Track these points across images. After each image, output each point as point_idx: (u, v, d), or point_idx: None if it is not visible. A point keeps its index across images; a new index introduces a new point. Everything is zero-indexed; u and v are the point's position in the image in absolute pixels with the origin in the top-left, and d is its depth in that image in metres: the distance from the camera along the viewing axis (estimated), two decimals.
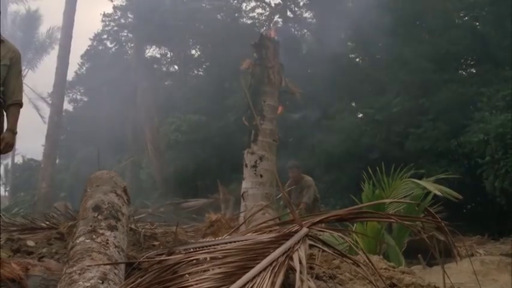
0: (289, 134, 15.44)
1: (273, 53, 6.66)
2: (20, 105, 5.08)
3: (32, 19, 30.19)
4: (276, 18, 22.27)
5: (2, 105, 4.94)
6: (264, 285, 2.13)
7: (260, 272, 2.21)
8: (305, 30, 21.79)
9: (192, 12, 20.25)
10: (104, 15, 23.54)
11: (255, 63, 6.62)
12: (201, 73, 22.71)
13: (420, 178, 6.44)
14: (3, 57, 4.95)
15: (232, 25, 20.99)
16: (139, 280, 2.24)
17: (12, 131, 4.96)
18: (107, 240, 2.72)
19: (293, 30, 21.59)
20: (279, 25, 21.37)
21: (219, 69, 20.62)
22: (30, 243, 5.69)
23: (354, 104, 16.86)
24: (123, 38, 23.59)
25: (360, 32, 16.82)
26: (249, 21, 22.30)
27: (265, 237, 2.60)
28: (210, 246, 2.59)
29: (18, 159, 26.92)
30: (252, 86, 6.55)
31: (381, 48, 16.52)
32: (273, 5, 21.99)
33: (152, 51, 23.10)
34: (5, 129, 4.98)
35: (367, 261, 2.68)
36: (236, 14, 22.01)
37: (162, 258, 2.42)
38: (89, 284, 2.28)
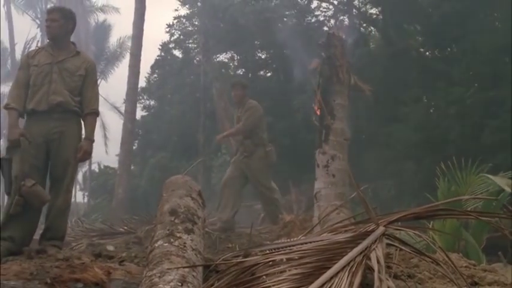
0: (359, 130, 15.26)
1: (341, 52, 6.60)
2: (96, 114, 5.26)
3: (102, 30, 31.24)
4: (342, 16, 22.07)
5: (79, 115, 5.13)
6: (342, 286, 2.12)
7: (338, 272, 2.20)
8: (371, 28, 21.49)
9: (258, 15, 20.35)
10: (169, 25, 24.00)
11: (323, 63, 6.59)
12: (269, 74, 22.75)
13: (498, 172, 6.25)
14: (78, 68, 5.15)
15: (298, 25, 20.95)
16: (217, 283, 2.27)
17: (90, 139, 5.15)
18: (185, 243, 2.75)
19: (359, 27, 21.33)
20: (345, 23, 21.16)
21: (285, 69, 20.63)
22: (110, 247, 5.89)
23: (425, 99, 16.46)
24: (189, 46, 23.94)
25: (429, 25, 16.45)
26: (313, 20, 22.17)
27: (341, 237, 2.59)
28: (286, 247, 2.59)
29: (95, 167, 27.83)
30: (320, 85, 6.51)
31: (451, 40, 16.10)
32: (336, 3, 21.81)
33: (219, 56, 23.34)
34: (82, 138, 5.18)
35: (447, 259, 2.62)
36: (300, 14, 21.94)
37: (239, 260, 2.44)
38: (168, 287, 2.31)
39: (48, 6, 31.02)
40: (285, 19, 21.24)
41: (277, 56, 21.34)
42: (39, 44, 24.81)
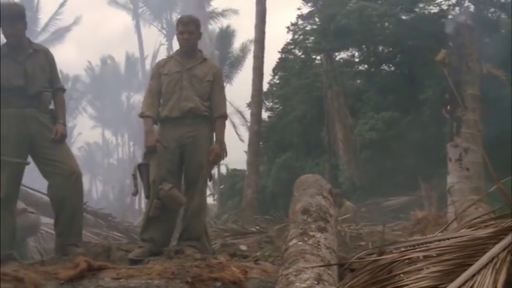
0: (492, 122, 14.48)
1: (469, 40, 6.33)
2: (225, 117, 5.42)
3: (226, 36, 32.12)
4: (466, 3, 21.11)
5: (210, 119, 5.30)
6: (485, 283, 2.02)
7: (480, 270, 2.10)
8: (499, 12, 20.34)
9: (372, 10, 19.99)
10: (291, 24, 24.16)
11: (452, 52, 6.36)
12: (393, 68, 22.22)
13: None
14: (206, 74, 5.32)
15: (421, 16, 20.32)
16: (353, 281, 2.25)
17: (220, 143, 5.30)
18: (318, 241, 2.77)
19: (486, 13, 20.29)
20: (471, 10, 20.21)
21: (409, 62, 20.11)
22: (243, 247, 6.02)
23: None
24: (309, 46, 23.92)
25: None
26: (435, 10, 21.39)
27: (481, 232, 2.46)
28: (422, 244, 2.52)
29: (223, 169, 28.64)
30: (450, 76, 6.28)
31: None
32: None
33: (341, 54, 23.14)
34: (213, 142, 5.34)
35: None
36: (420, 5, 21.25)
37: (375, 258, 2.40)
38: (305, 285, 2.34)
39: (176, 15, 32.48)
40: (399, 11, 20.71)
41: (400, 49, 20.82)
42: (167, 54, 26.02)
